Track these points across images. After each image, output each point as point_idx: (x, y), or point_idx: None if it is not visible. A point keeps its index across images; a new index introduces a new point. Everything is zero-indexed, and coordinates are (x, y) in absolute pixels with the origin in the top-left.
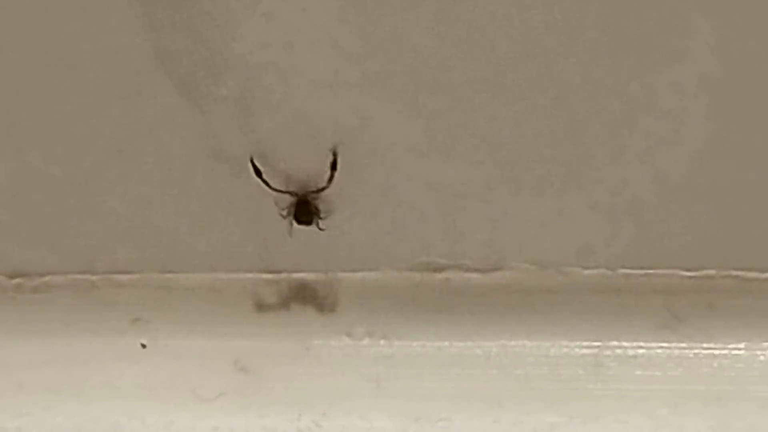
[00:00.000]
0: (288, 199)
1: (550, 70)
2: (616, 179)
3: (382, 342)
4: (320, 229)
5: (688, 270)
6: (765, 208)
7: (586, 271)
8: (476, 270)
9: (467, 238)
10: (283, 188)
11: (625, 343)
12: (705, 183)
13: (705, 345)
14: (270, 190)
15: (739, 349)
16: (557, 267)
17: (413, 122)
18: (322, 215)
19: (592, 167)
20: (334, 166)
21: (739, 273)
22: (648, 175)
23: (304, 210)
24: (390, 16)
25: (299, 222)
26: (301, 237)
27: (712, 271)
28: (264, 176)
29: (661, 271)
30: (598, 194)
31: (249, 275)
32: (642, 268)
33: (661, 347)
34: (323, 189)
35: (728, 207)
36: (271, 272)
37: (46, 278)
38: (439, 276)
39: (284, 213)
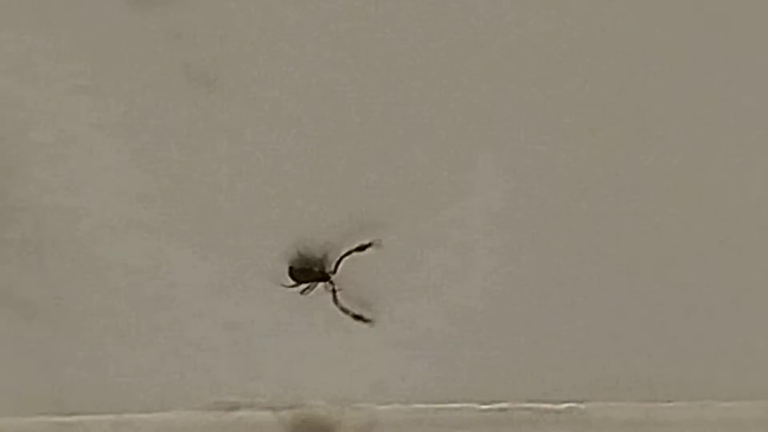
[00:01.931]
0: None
1: (334, 207)
2: (407, 315)
3: None
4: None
5: (483, 403)
6: (556, 340)
7: (381, 407)
8: (270, 408)
9: (261, 376)
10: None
11: None
12: (496, 316)
13: None
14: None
15: None
16: (351, 403)
17: (206, 262)
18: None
19: (382, 303)
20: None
21: (533, 405)
22: (439, 309)
23: (304, 275)
24: (178, 157)
25: (292, 275)
26: (93, 379)
27: (506, 404)
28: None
29: (455, 405)
30: (390, 330)
31: (42, 418)
32: (436, 402)
33: None
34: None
35: (520, 339)
36: (64, 415)
37: None
38: (233, 415)
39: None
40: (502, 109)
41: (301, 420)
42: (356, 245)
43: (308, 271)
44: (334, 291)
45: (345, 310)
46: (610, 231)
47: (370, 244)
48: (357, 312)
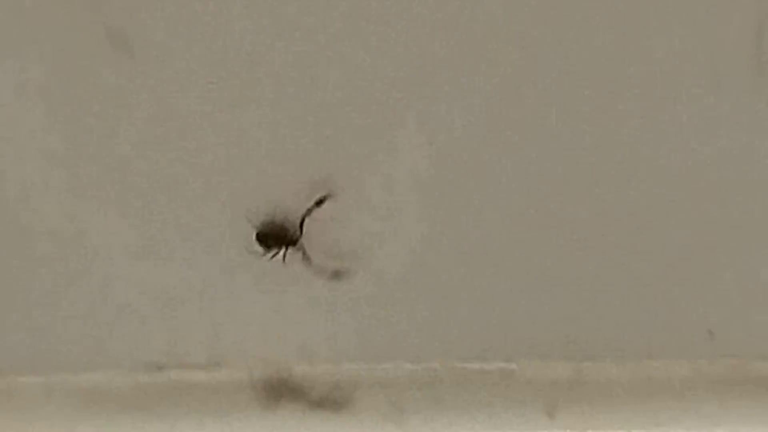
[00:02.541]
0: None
1: (261, 163)
2: (332, 275)
3: None
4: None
5: (412, 362)
6: (485, 300)
7: (309, 367)
8: (199, 368)
9: (188, 336)
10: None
11: None
12: (424, 276)
13: None
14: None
15: None
16: (279, 364)
17: (128, 225)
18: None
19: (305, 264)
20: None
21: (463, 364)
22: (365, 270)
23: (274, 241)
24: (100, 121)
25: (260, 240)
26: (23, 341)
27: (435, 364)
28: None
29: (383, 365)
30: (316, 290)
31: None
32: (364, 361)
33: None
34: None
35: (449, 299)
36: None
37: None
38: (161, 375)
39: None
40: (428, 74)
41: (231, 380)
42: (312, 202)
43: (277, 237)
44: (304, 253)
45: (321, 272)
46: (537, 193)
47: (325, 197)
48: (333, 270)
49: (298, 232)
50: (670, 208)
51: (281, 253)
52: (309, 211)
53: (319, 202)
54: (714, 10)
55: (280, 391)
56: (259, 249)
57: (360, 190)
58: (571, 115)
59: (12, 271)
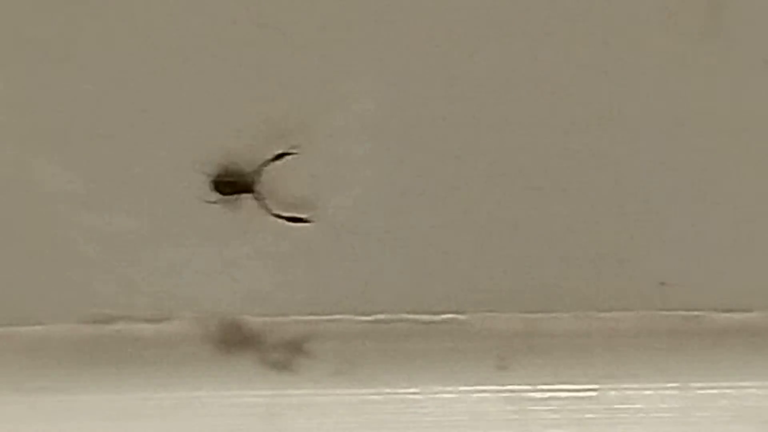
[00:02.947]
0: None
1: (211, 112)
2: (279, 226)
3: (55, 396)
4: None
5: (361, 314)
6: (435, 250)
7: (257, 319)
8: (146, 320)
9: (136, 288)
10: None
11: (299, 391)
12: (373, 226)
13: (379, 390)
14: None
15: (415, 393)
16: (229, 316)
17: (74, 173)
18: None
19: (254, 215)
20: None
21: (412, 316)
22: (316, 220)
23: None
24: (43, 66)
25: (217, 188)
26: None
27: (384, 315)
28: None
29: (333, 317)
30: (262, 242)
31: None
32: (313, 313)
33: (335, 394)
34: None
35: (397, 250)
36: None
37: None
38: (109, 328)
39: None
40: (379, 22)
41: (179, 332)
42: (274, 154)
43: (234, 183)
44: (261, 201)
45: (279, 216)
46: (487, 141)
47: (287, 153)
48: (291, 215)
49: (254, 179)
50: (622, 157)
51: (236, 200)
52: (268, 162)
53: (280, 156)
54: None
55: (230, 343)
56: (214, 196)
57: (311, 138)
58: (525, 63)
59: None
